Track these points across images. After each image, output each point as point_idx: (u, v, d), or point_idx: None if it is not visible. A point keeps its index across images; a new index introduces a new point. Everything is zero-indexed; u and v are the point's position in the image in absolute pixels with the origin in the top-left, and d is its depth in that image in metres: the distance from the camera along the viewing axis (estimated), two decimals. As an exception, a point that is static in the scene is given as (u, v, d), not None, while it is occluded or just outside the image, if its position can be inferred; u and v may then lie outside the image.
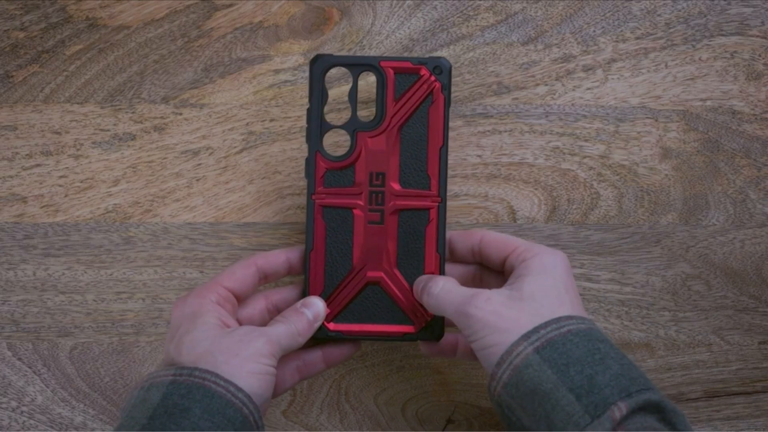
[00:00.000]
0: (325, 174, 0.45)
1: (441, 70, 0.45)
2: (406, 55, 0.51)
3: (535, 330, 0.38)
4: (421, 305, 0.45)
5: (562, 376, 0.37)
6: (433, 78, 0.45)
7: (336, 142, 0.49)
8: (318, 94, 0.45)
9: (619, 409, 0.35)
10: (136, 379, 0.52)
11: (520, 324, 0.39)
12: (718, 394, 0.52)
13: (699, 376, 0.52)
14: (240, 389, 0.38)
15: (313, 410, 0.52)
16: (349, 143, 0.45)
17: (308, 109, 0.45)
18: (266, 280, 0.46)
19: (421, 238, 0.46)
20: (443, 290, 0.43)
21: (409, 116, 0.45)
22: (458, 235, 0.46)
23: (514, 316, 0.39)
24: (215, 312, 0.42)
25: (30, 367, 0.52)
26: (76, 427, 0.51)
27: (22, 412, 0.52)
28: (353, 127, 0.45)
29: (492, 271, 0.46)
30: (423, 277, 0.45)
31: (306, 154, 0.46)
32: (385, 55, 0.50)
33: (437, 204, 0.46)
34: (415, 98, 0.45)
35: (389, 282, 0.46)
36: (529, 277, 0.41)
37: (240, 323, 0.44)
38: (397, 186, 0.45)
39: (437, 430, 0.53)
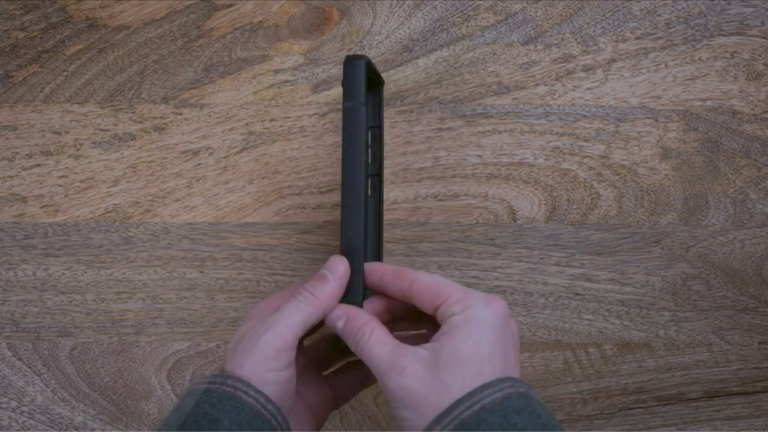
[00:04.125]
0: None
1: None
2: (406, 55, 0.51)
3: (448, 411, 0.36)
4: None
5: None
6: None
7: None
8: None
9: None
10: (136, 379, 0.52)
11: (430, 403, 0.36)
12: (718, 394, 0.52)
13: (699, 376, 0.52)
14: (269, 400, 0.38)
15: (313, 410, 0.52)
16: None
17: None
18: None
19: None
20: (370, 343, 0.39)
21: None
22: (390, 276, 0.42)
23: (425, 392, 0.37)
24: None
25: (30, 367, 0.52)
26: (76, 427, 0.51)
27: (22, 412, 0.52)
28: None
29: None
30: (357, 322, 0.41)
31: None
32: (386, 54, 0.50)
33: None
34: None
35: None
36: (451, 341, 0.37)
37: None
38: None
39: (437, 430, 0.52)
